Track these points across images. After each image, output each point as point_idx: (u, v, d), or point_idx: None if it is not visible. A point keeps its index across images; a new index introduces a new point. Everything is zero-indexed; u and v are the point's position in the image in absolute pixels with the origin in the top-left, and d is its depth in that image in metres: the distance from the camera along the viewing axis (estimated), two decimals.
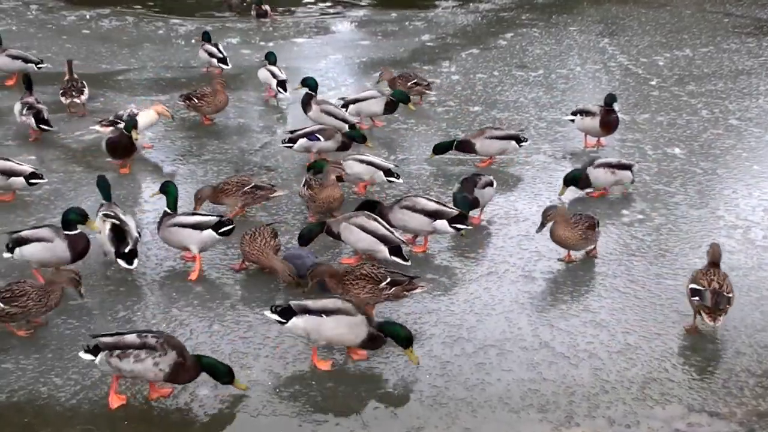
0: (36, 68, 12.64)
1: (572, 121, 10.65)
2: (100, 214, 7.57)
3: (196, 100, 11.13)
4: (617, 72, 14.18)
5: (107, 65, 14.29)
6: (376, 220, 7.61)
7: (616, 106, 10.38)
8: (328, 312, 6.12)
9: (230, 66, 13.71)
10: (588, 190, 9.23)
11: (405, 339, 6.12)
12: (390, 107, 10.91)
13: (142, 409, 5.80)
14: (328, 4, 19.82)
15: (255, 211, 8.75)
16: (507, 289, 7.37)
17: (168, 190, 7.76)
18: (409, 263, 7.51)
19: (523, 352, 6.46)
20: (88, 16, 17.69)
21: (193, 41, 15.86)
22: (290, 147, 9.85)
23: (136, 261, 7.29)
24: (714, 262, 6.75)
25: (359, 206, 8.04)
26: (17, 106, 10.69)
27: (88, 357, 5.81)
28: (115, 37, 16.25)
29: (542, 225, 7.63)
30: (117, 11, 18.25)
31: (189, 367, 5.75)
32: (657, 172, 9.93)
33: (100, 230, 7.41)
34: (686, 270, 7.65)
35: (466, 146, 9.77)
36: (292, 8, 19.34)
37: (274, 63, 12.52)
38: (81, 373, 6.11)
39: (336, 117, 10.54)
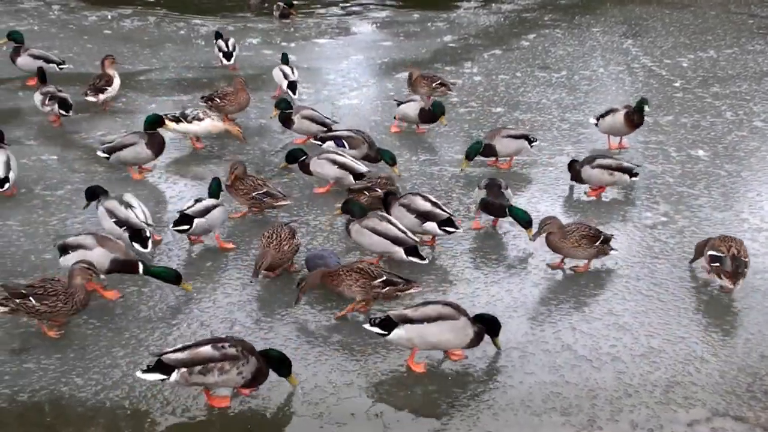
0: (58, 69, 12.72)
1: (596, 125, 10.58)
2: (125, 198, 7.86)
3: (219, 100, 11.15)
4: (641, 73, 14.07)
5: (129, 65, 14.34)
6: (388, 220, 7.58)
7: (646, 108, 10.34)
8: (431, 319, 6.09)
9: (233, 62, 14.05)
10: (585, 189, 9.30)
11: (499, 327, 6.33)
12: (425, 116, 10.75)
13: (162, 411, 5.79)
14: (350, 5, 19.82)
15: (276, 211, 8.74)
16: (529, 291, 7.32)
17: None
18: (426, 261, 7.49)
19: (546, 355, 6.41)
20: (109, 17, 17.78)
21: (214, 41, 15.89)
22: (320, 145, 9.89)
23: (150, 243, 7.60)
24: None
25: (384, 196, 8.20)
26: (37, 97, 10.94)
27: (153, 377, 5.64)
28: (137, 37, 16.32)
29: (537, 233, 7.52)
30: (138, 11, 18.34)
31: (264, 368, 5.78)
32: (681, 174, 9.84)
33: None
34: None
35: (488, 150, 9.69)
36: (315, 9, 19.36)
37: (286, 63, 12.60)
38: (102, 373, 6.12)
39: (316, 121, 10.40)
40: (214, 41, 14.35)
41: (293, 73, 12.39)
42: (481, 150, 9.57)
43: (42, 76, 11.26)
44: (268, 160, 10.22)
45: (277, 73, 12.51)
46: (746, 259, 7.16)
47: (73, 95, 11.94)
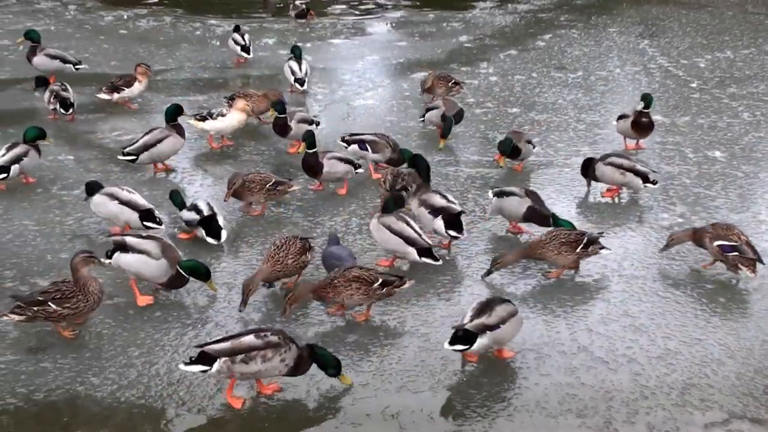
0: (74, 69, 12.77)
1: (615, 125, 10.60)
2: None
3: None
4: (657, 74, 13.99)
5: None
6: (405, 220, 7.54)
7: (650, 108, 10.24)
8: (505, 320, 6.16)
9: (252, 55, 14.43)
10: (602, 189, 9.24)
11: None
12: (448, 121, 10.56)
13: (178, 410, 5.80)
14: (367, 5, 19.82)
15: (291, 212, 8.75)
16: (544, 292, 7.29)
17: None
18: (440, 263, 7.47)
19: (561, 357, 6.38)
20: (125, 17, 17.85)
21: (231, 60, 15.94)
22: (346, 147, 9.82)
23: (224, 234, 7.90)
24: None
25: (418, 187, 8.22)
26: (46, 95, 11.34)
27: (196, 368, 5.71)
28: (153, 37, 16.38)
29: (489, 272, 7.38)
30: (154, 11, 18.40)
31: (306, 359, 5.85)
32: (697, 176, 9.78)
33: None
34: (727, 274, 7.54)
35: (515, 152, 9.66)
36: (330, 9, 19.37)
37: (298, 56, 12.71)
38: (118, 372, 6.14)
39: (307, 122, 10.25)
40: (232, 35, 14.62)
41: (301, 69, 12.53)
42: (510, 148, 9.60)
43: (41, 80, 11.66)
44: (285, 160, 10.22)
45: (286, 69, 12.69)
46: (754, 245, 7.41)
47: (88, 95, 12.02)
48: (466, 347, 6.05)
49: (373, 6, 19.81)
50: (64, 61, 12.72)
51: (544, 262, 7.53)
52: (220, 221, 7.96)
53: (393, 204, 7.67)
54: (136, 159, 9.54)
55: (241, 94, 11.19)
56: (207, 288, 7.11)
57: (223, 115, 10.32)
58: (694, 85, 13.36)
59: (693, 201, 9.09)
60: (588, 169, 9.16)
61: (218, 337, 5.92)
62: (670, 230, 8.38)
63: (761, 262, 7.25)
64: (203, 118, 10.32)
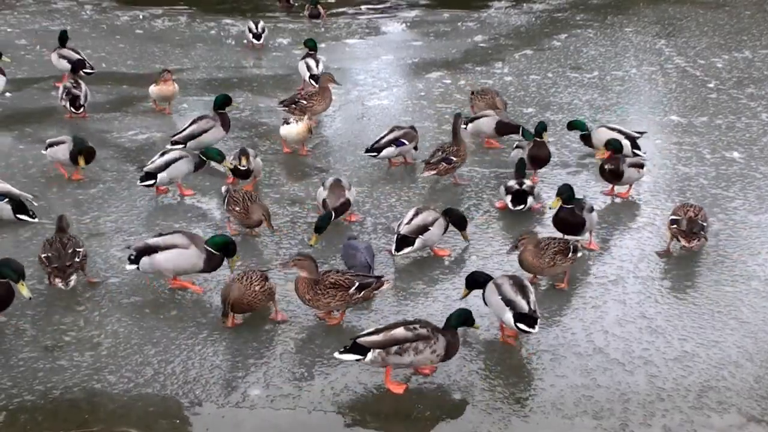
0: (82, 73, 12.70)
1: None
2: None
3: (305, 102, 10.97)
4: (674, 74, 13.91)
5: (160, 65, 14.39)
6: (522, 290, 6.55)
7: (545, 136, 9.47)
8: (431, 224, 7.51)
9: (262, 41, 15.44)
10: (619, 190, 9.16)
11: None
12: (502, 129, 10.34)
13: (193, 408, 5.82)
14: (385, 5, 19.81)
15: (306, 212, 8.74)
16: (560, 293, 7.26)
17: None
18: (534, 330, 6.41)
19: (577, 358, 6.35)
20: (141, 17, 17.91)
21: (245, 41, 15.98)
22: (375, 156, 9.71)
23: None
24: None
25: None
26: (61, 89, 11.46)
27: (350, 357, 5.91)
28: (168, 37, 16.43)
29: (514, 247, 7.25)
30: (169, 11, 18.45)
31: (454, 342, 6.03)
32: (715, 177, 9.71)
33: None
34: (744, 276, 7.53)
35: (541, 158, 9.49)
36: (344, 9, 19.37)
37: (313, 48, 12.80)
38: (134, 370, 6.16)
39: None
40: (247, 23, 15.66)
41: (317, 66, 12.50)
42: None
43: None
44: (299, 160, 10.23)
45: (301, 66, 12.72)
46: (704, 223, 7.74)
47: (104, 94, 12.07)
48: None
49: (389, 5, 19.78)
50: (70, 61, 12.54)
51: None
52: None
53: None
54: (184, 146, 9.71)
55: (300, 97, 11.02)
56: (217, 289, 7.11)
57: (288, 123, 10.03)
58: (711, 85, 13.27)
59: (710, 202, 9.02)
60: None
61: (370, 329, 6.08)
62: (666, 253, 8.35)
63: (691, 236, 7.61)
64: (285, 122, 10.06)
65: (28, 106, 12.08)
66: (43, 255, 7.09)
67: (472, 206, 8.93)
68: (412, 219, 7.75)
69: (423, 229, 7.70)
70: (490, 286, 6.59)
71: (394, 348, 5.84)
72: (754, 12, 18.41)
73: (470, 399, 5.92)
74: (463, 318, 6.10)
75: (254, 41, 15.50)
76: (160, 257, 7.04)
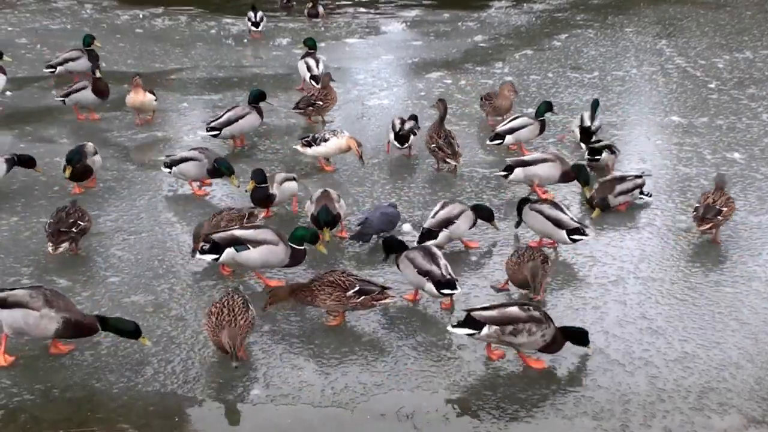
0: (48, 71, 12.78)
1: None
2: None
3: (321, 102, 11.10)
4: (675, 74, 13.89)
5: (160, 64, 14.44)
6: (429, 254, 7.03)
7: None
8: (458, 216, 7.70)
9: (261, 28, 16.14)
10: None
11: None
12: (542, 130, 10.36)
13: (193, 408, 5.81)
14: (381, 3, 19.79)
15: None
16: (561, 294, 7.25)
17: None
18: (456, 291, 6.88)
19: (577, 359, 6.34)
20: (141, 16, 17.90)
21: (245, 41, 15.98)
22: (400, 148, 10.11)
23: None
24: (720, 188, 8.20)
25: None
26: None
27: (464, 331, 6.04)
28: (168, 36, 16.42)
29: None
30: (170, 11, 18.43)
31: (560, 340, 6.14)
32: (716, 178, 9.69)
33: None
34: (745, 277, 7.53)
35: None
36: (344, 8, 19.36)
37: (313, 47, 12.83)
38: (134, 370, 6.15)
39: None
40: (248, 13, 16.32)
41: (318, 66, 12.51)
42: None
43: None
44: (298, 160, 10.22)
45: (301, 66, 12.72)
46: (722, 208, 7.94)
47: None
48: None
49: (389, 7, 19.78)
50: (59, 65, 12.72)
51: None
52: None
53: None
54: (219, 133, 10.17)
55: (316, 98, 11.12)
56: (222, 288, 7.12)
57: (325, 140, 9.68)
58: (712, 85, 13.26)
59: None
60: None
61: (485, 305, 6.20)
62: (688, 232, 8.35)
63: (703, 221, 7.88)
64: (309, 144, 9.78)
65: (29, 105, 12.07)
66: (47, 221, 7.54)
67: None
68: (437, 212, 7.83)
69: (448, 222, 7.74)
70: (404, 260, 7.02)
71: (510, 327, 5.96)
72: (755, 12, 18.39)
73: (470, 399, 5.91)
74: (580, 336, 6.24)
75: (252, 28, 16.16)
76: (252, 253, 7.05)
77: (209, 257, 7.16)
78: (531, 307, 6.12)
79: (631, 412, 5.80)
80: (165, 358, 6.30)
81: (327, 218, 7.71)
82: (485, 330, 5.99)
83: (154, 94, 11.23)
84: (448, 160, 9.63)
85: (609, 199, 8.65)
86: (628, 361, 6.32)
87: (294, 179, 8.80)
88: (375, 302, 6.65)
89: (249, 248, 7.08)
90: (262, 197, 8.42)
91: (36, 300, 6.06)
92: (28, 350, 6.33)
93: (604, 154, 9.51)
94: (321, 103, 11.10)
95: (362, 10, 19.31)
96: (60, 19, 17.30)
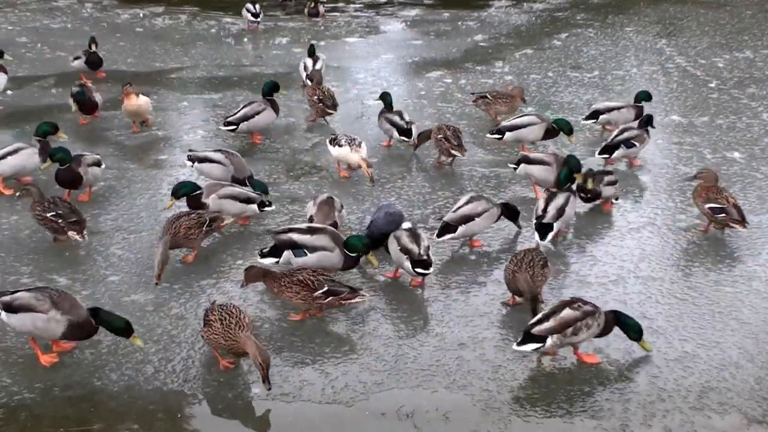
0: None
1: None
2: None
3: (491, 98, 11.25)
4: (675, 74, 13.90)
5: (160, 63, 14.45)
6: (414, 235, 7.26)
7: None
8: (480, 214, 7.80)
9: (260, 19, 16.81)
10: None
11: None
12: (550, 134, 10.14)
13: (193, 407, 5.82)
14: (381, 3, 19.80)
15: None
16: (561, 293, 7.25)
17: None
18: (429, 272, 7.16)
19: (577, 358, 6.34)
20: (141, 15, 17.91)
21: (245, 40, 15.98)
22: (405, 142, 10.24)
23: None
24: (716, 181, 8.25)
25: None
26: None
27: (530, 347, 6.08)
28: (168, 35, 16.43)
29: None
30: (170, 10, 18.44)
31: (611, 322, 6.31)
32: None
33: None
34: (745, 277, 7.51)
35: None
36: (343, 7, 19.36)
37: (311, 54, 13.07)
38: (135, 368, 6.15)
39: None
40: (246, 4, 16.73)
41: (315, 65, 12.70)
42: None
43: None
44: (298, 159, 10.22)
45: (301, 66, 12.96)
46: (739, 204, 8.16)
47: (103, 92, 12.03)
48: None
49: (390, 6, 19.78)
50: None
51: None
52: None
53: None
54: (237, 128, 10.33)
55: (492, 94, 11.27)
56: (224, 287, 7.13)
57: (340, 145, 9.40)
58: (712, 85, 13.26)
59: None
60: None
61: (539, 317, 6.20)
62: (688, 231, 8.36)
63: (744, 222, 7.95)
64: (331, 141, 9.54)
65: (29, 104, 12.08)
66: (49, 215, 7.61)
67: None
68: (460, 207, 7.88)
69: (468, 218, 7.79)
70: (392, 238, 7.34)
71: (570, 330, 6.08)
72: (755, 12, 18.40)
73: (470, 398, 5.91)
74: (635, 329, 6.35)
75: (251, 19, 16.78)
76: (309, 259, 7.07)
77: (269, 260, 7.20)
78: (579, 303, 6.22)
79: (631, 411, 5.79)
80: (165, 356, 6.30)
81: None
82: (549, 341, 6.07)
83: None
84: (453, 151, 9.65)
85: (598, 186, 8.48)
86: (628, 361, 6.32)
87: (99, 164, 8.94)
88: (343, 302, 6.68)
89: (306, 254, 7.11)
90: (68, 179, 8.64)
91: (43, 302, 6.04)
92: (28, 349, 6.32)
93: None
94: (490, 98, 11.21)
95: (362, 9, 19.31)
96: (60, 18, 17.31)
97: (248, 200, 8.22)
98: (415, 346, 6.47)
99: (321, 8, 18.25)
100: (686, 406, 5.85)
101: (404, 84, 13.49)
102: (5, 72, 11.90)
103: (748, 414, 5.79)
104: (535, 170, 8.95)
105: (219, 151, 9.15)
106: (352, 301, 6.70)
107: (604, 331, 6.31)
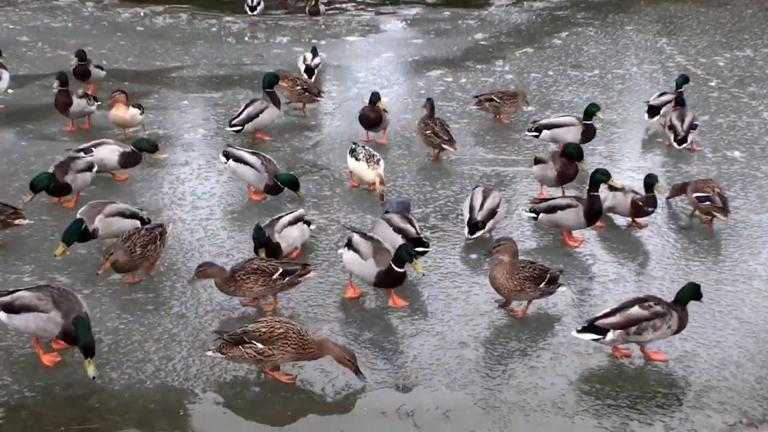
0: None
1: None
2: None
3: (497, 100, 11.18)
4: (675, 72, 13.82)
5: (161, 62, 14.45)
6: (405, 217, 7.63)
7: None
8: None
9: (257, 12, 17.56)
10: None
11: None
12: (587, 136, 9.96)
13: (194, 405, 5.82)
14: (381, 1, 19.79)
15: (306, 209, 8.74)
16: (561, 292, 7.23)
17: None
18: (428, 250, 7.52)
19: (578, 357, 6.35)
20: (142, 14, 17.91)
21: (246, 38, 15.98)
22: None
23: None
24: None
25: None
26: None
27: (589, 336, 6.14)
28: (169, 34, 16.42)
29: (489, 253, 6.95)
30: (170, 9, 18.43)
31: (686, 316, 6.28)
32: (716, 176, 9.67)
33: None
34: (745, 276, 7.52)
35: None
36: (344, 6, 19.36)
37: (312, 51, 13.34)
38: (135, 367, 6.16)
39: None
40: None
41: (313, 59, 12.94)
42: None
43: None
44: (299, 158, 10.23)
45: (300, 60, 13.20)
46: (726, 196, 8.40)
47: (105, 91, 12.03)
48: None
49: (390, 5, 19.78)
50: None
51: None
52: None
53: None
54: (242, 129, 10.37)
55: (498, 95, 11.23)
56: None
57: (357, 159, 9.06)
58: (713, 83, 13.26)
59: None
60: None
61: (606, 310, 6.23)
62: (689, 231, 8.36)
63: (726, 211, 8.15)
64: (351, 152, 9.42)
65: (30, 103, 12.08)
66: None
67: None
68: (482, 203, 8.00)
69: (493, 212, 8.00)
70: (380, 222, 7.61)
71: (634, 328, 6.07)
72: (755, 10, 18.39)
73: (470, 397, 5.92)
74: (693, 292, 6.34)
75: (250, 12, 17.65)
76: (345, 255, 7.11)
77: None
78: (652, 303, 6.17)
79: (631, 410, 5.79)
80: (166, 355, 6.31)
81: (259, 238, 7.24)
82: (609, 335, 6.09)
83: (140, 108, 10.63)
84: (445, 146, 9.70)
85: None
86: (627, 360, 6.32)
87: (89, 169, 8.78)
88: (300, 279, 6.85)
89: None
90: (58, 189, 8.49)
91: (45, 302, 6.03)
92: (29, 347, 6.33)
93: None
94: (497, 100, 11.16)
95: (363, 8, 19.31)
96: (61, 17, 17.31)
97: (133, 216, 7.74)
98: (415, 345, 6.48)
99: (321, 7, 18.25)
100: (686, 405, 5.86)
101: (405, 83, 13.49)
102: (6, 70, 11.89)
103: (748, 413, 5.79)
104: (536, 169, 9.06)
105: (256, 154, 8.92)
106: (307, 276, 6.88)
107: (680, 329, 6.28)
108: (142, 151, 9.26)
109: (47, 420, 5.65)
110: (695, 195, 8.32)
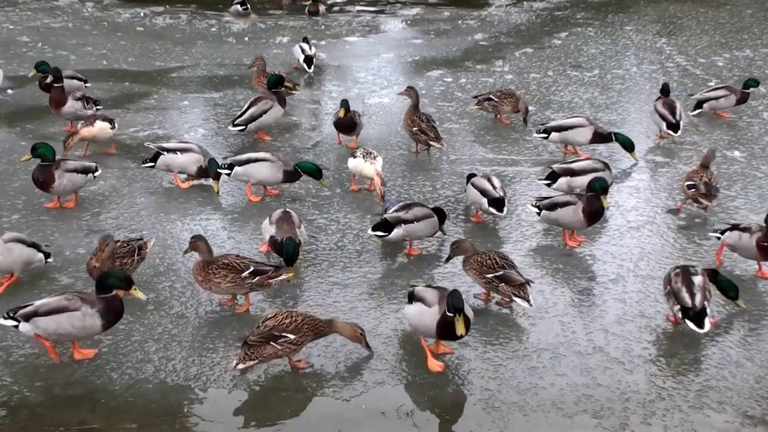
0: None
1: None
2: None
3: (496, 100, 11.13)
4: (675, 73, 13.90)
5: (161, 62, 14.45)
6: (489, 179, 8.31)
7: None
8: (419, 219, 7.73)
9: (249, 8, 17.65)
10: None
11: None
12: (599, 139, 9.91)
13: (192, 406, 5.83)
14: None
15: (306, 208, 8.73)
16: (561, 292, 7.26)
17: None
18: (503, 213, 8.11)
19: (577, 357, 6.36)
20: (142, 14, 17.90)
21: (246, 39, 15.98)
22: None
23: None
24: (705, 165, 8.78)
25: None
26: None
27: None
28: (169, 34, 16.42)
29: (448, 258, 7.27)
30: (170, 9, 18.43)
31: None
32: (716, 176, 9.69)
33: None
34: (746, 274, 7.51)
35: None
36: (344, 6, 19.36)
37: (305, 41, 13.80)
38: (135, 367, 6.17)
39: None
40: None
41: (310, 48, 13.48)
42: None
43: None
44: (299, 158, 10.22)
45: (296, 49, 13.70)
46: (718, 186, 8.61)
47: (105, 91, 12.05)
48: (385, 234, 7.62)
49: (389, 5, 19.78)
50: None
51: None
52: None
53: None
54: (245, 129, 10.41)
55: (496, 94, 11.20)
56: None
57: (354, 156, 9.15)
58: (712, 83, 13.25)
59: None
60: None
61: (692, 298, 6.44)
62: (688, 230, 8.37)
63: (709, 197, 8.40)
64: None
65: (30, 103, 12.08)
66: None
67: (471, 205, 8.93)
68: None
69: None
70: (469, 185, 8.41)
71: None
72: (755, 10, 18.39)
73: (470, 397, 5.93)
74: (731, 286, 6.80)
75: (239, 9, 17.70)
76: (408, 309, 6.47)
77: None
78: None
79: (631, 410, 5.81)
80: (166, 355, 6.32)
81: (291, 255, 7.05)
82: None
83: (111, 122, 10.05)
84: (431, 143, 9.71)
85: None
86: (627, 360, 6.33)
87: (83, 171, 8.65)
88: (270, 280, 6.80)
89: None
90: (38, 178, 8.39)
91: (74, 301, 6.04)
92: (29, 348, 6.34)
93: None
94: (496, 99, 11.11)
95: (363, 8, 19.31)
96: (61, 18, 17.30)
97: (33, 245, 7.30)
98: (415, 345, 6.47)
99: (321, 7, 18.26)
100: (686, 404, 5.87)
101: (405, 83, 13.40)
102: None
103: (747, 413, 5.80)
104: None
105: (260, 152, 9.04)
106: (278, 278, 6.83)
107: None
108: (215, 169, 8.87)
109: (47, 420, 5.66)
110: (686, 183, 8.63)
